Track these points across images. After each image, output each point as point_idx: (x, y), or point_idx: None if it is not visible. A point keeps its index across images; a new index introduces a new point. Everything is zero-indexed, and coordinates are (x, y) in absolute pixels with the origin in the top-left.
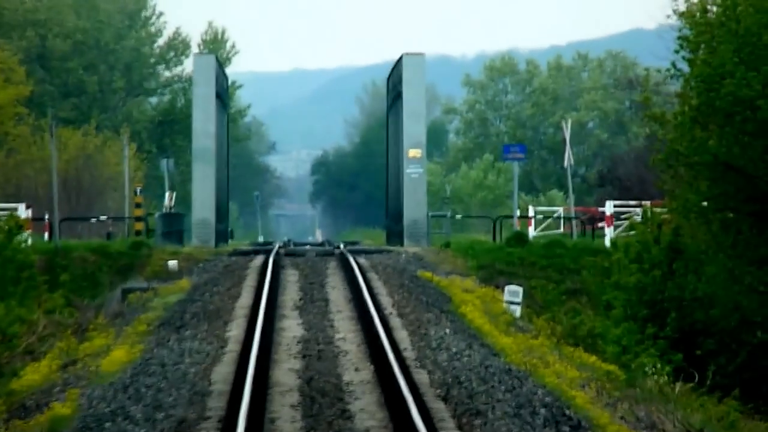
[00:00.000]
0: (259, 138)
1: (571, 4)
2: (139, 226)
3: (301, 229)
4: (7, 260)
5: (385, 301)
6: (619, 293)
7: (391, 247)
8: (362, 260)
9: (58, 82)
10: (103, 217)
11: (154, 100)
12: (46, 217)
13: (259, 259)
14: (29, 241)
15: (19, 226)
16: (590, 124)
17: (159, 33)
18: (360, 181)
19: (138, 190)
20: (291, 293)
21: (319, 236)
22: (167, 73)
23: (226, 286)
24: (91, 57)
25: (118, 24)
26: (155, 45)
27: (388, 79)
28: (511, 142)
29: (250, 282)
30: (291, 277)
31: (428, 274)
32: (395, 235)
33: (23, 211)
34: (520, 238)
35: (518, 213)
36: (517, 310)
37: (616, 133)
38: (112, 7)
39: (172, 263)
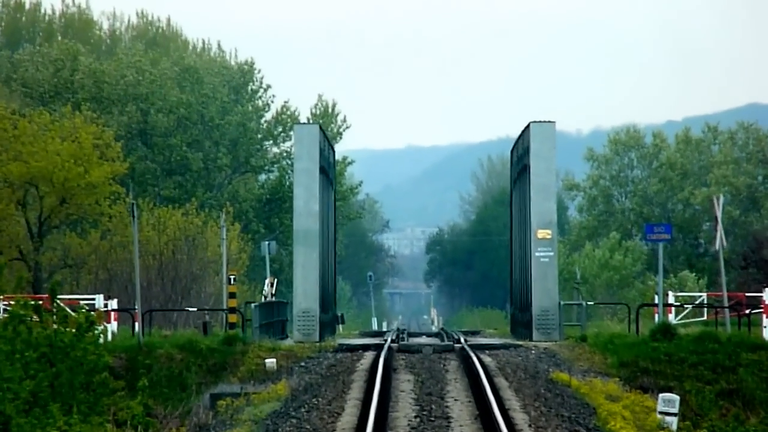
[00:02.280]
0: (372, 216)
1: (680, 81)
2: (233, 318)
3: (416, 308)
4: (76, 363)
5: (520, 418)
6: None
7: (519, 342)
8: (487, 359)
9: (161, 159)
10: (192, 309)
11: (261, 177)
12: (137, 307)
13: (368, 358)
14: (110, 337)
15: (90, 322)
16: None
17: (266, 107)
18: (476, 260)
19: (233, 279)
20: (404, 407)
21: (434, 316)
22: (275, 149)
23: (328, 397)
24: (195, 133)
25: (224, 98)
26: (262, 120)
27: (512, 150)
28: (637, 219)
29: (355, 392)
30: (404, 384)
31: (565, 377)
32: (521, 325)
33: (100, 302)
34: (667, 330)
35: (661, 299)
36: (674, 423)
37: (749, 210)
38: (217, 81)
39: (270, 362)
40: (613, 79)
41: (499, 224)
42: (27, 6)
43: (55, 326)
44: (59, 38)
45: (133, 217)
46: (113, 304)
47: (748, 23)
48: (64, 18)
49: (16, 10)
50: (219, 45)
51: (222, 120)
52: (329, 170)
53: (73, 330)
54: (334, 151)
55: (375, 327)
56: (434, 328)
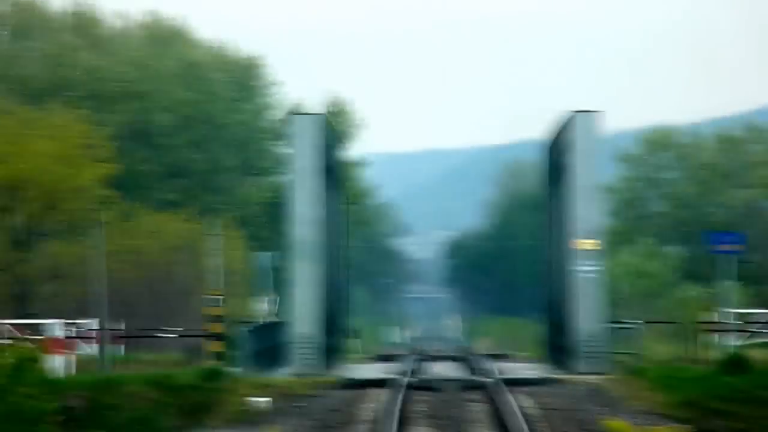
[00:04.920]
0: (391, 220)
1: (710, 79)
2: (217, 346)
3: (436, 313)
4: (13, 409)
5: None
6: None
7: (560, 375)
8: (525, 401)
9: (163, 161)
10: (171, 335)
11: (270, 180)
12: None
13: (378, 398)
14: (73, 368)
15: (30, 360)
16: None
17: (276, 104)
18: (498, 266)
19: (220, 299)
20: None
21: (455, 323)
22: (285, 150)
23: None
24: (200, 133)
25: (229, 95)
26: (271, 118)
27: (550, 147)
28: (673, 222)
29: None
30: None
31: (621, 425)
32: (560, 351)
33: (58, 330)
34: (739, 362)
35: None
36: None
37: None
38: (223, 77)
39: (262, 402)
40: (638, 79)
41: (523, 228)
42: (36, 3)
43: None
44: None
45: (101, 225)
46: (94, 324)
47: None
48: (73, 16)
49: (24, 8)
50: (233, 45)
51: (228, 119)
52: (337, 170)
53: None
54: (343, 148)
55: (395, 338)
56: (455, 334)
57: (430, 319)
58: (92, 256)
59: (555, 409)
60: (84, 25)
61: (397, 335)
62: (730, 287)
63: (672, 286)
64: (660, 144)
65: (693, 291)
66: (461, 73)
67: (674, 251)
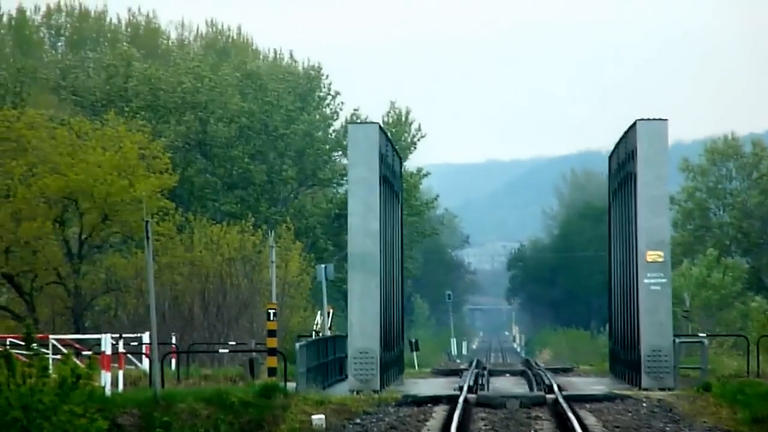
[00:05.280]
0: (452, 231)
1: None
2: (273, 362)
3: (497, 324)
4: (58, 430)
5: None
6: None
7: (625, 391)
8: (590, 418)
9: (221, 172)
10: (224, 350)
11: (330, 191)
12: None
13: (438, 415)
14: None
15: (76, 377)
16: None
17: (335, 115)
18: (559, 277)
19: (272, 313)
20: None
21: (515, 333)
22: (344, 161)
23: None
24: (258, 143)
25: (289, 106)
26: (331, 129)
27: (611, 156)
28: (735, 234)
29: None
30: None
31: None
32: (625, 365)
33: (107, 344)
34: None
35: None
36: None
37: None
38: (282, 87)
39: (317, 419)
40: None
41: (583, 240)
42: (92, 15)
43: (32, 381)
44: (125, 48)
45: (148, 238)
46: (145, 338)
47: None
48: (130, 27)
49: (80, 19)
50: (291, 54)
51: (287, 129)
52: (394, 180)
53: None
54: (400, 158)
55: (454, 350)
56: (516, 346)
57: (490, 331)
58: (151, 267)
59: (620, 427)
60: (141, 35)
61: (457, 347)
62: None
63: (735, 298)
64: (723, 153)
65: (757, 303)
66: (521, 83)
67: (738, 262)
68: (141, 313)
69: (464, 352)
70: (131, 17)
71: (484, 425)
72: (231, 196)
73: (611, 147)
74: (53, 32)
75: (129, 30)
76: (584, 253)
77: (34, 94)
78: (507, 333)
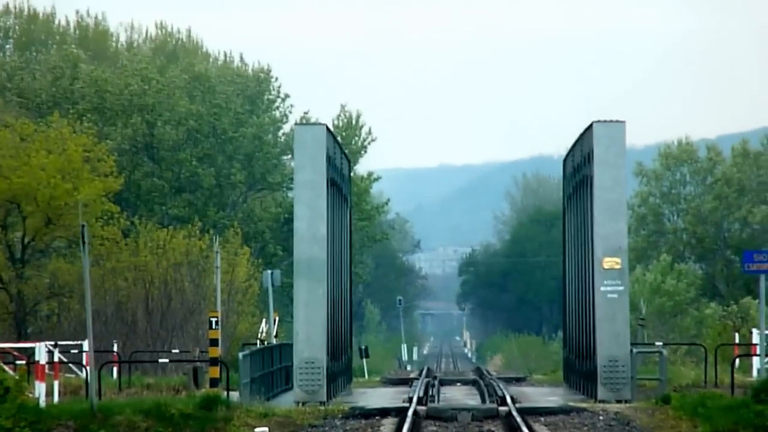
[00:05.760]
0: (403, 236)
1: (730, 93)
2: (215, 372)
3: (448, 329)
4: None
5: None
6: None
7: (581, 403)
8: (542, 431)
9: (169, 175)
10: (163, 360)
11: (279, 195)
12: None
13: (386, 428)
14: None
15: (5, 389)
16: None
17: (284, 118)
18: (510, 282)
19: (214, 322)
20: None
21: (466, 339)
22: (293, 164)
23: None
24: (207, 146)
25: (238, 108)
26: (280, 132)
27: (566, 159)
28: (689, 239)
29: None
30: None
31: None
32: (580, 375)
33: (41, 353)
34: None
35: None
36: None
37: None
38: (231, 90)
39: None
40: (657, 93)
41: (535, 245)
42: (40, 17)
43: None
44: (72, 49)
45: (83, 242)
46: (85, 346)
47: None
48: (79, 29)
49: (29, 21)
50: (241, 57)
51: (236, 132)
52: (342, 184)
53: None
54: (349, 161)
55: (405, 356)
56: (467, 351)
57: (442, 336)
58: (88, 273)
59: None
60: (90, 37)
61: (408, 353)
62: (747, 304)
63: (690, 305)
64: (677, 158)
65: (711, 309)
66: (474, 88)
67: (691, 268)
68: (84, 320)
69: (415, 357)
70: (79, 19)
71: None
72: (179, 199)
73: (564, 152)
74: (1, 34)
75: (78, 32)
76: (536, 258)
77: None
78: (458, 338)
